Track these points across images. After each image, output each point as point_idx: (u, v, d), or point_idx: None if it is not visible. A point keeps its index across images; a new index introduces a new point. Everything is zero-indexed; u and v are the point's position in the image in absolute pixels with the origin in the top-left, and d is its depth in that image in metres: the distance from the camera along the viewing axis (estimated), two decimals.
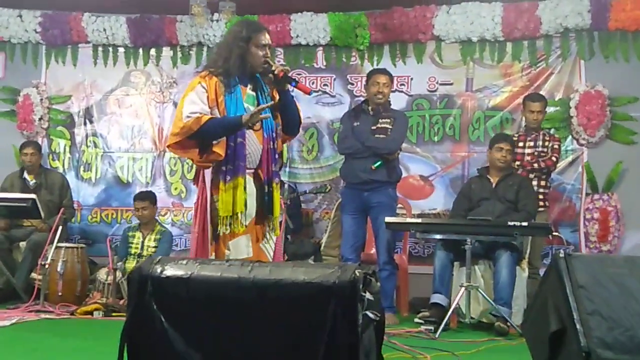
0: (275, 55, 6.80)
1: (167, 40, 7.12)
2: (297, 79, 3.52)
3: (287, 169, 6.78)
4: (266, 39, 3.51)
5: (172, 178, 7.16)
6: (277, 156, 3.58)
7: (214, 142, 3.42)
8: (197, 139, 3.43)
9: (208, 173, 3.47)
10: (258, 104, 3.50)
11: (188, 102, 3.42)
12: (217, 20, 6.89)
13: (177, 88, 7.13)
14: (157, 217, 6.48)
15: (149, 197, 6.34)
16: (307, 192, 6.33)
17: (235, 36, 3.52)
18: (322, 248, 6.19)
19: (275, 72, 3.45)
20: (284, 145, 3.90)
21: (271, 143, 3.54)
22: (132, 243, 6.24)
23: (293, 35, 6.82)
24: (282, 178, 6.39)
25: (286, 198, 5.65)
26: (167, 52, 7.20)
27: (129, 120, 7.26)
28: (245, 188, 3.44)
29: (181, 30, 7.03)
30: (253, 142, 3.51)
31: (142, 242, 6.22)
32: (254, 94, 3.55)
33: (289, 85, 3.49)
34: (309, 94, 3.59)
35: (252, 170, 3.52)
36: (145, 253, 6.14)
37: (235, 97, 3.46)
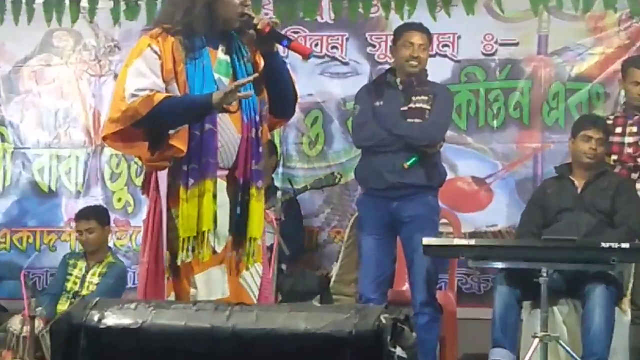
0: (260, 5, 6.79)
1: None
2: (290, 37, 3.63)
3: (280, 169, 6.86)
4: None
5: (114, 184, 7.20)
6: (260, 149, 3.64)
7: (171, 131, 3.49)
8: (146, 128, 3.50)
9: (163, 176, 3.53)
10: (234, 74, 3.59)
11: (133, 73, 3.49)
12: None
13: (119, 54, 7.11)
14: (110, 244, 6.67)
15: (95, 215, 6.42)
16: (309, 187, 6.35)
17: None
18: (331, 283, 6.22)
19: (259, 26, 3.51)
20: (275, 133, 3.99)
21: (253, 131, 3.60)
22: (71, 275, 6.34)
23: None
24: (275, 183, 6.52)
25: (279, 212, 5.65)
26: (104, 2, 7.17)
27: (51, 102, 7.28)
28: (214, 196, 3.50)
29: None
30: (228, 130, 3.57)
31: (84, 277, 6.31)
32: (228, 59, 3.63)
33: (278, 46, 3.57)
34: (308, 56, 3.67)
35: (226, 172, 3.60)
36: (84, 292, 6.20)
37: (201, 64, 3.53)
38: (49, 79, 7.32)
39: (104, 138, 3.61)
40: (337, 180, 6.36)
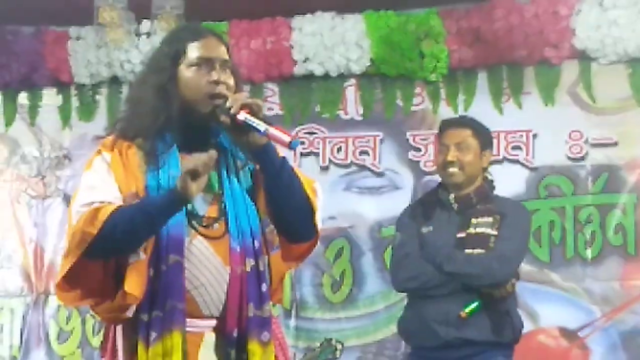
0: (262, 97, 6.97)
1: (51, 75, 7.26)
2: (269, 122, 3.38)
3: (292, 321, 7.00)
4: (211, 49, 3.51)
5: (62, 347, 7.22)
6: (264, 287, 3.46)
7: (132, 260, 3.35)
8: (102, 258, 3.35)
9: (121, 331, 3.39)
10: (220, 189, 3.47)
11: (83, 189, 3.45)
12: (149, 34, 7.05)
13: (70, 168, 7.27)
14: None
15: None
16: None
17: (155, 57, 3.59)
18: None
19: (232, 110, 3.37)
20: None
21: (249, 262, 3.44)
22: None
23: (297, 57, 6.94)
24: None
25: None
26: (51, 97, 7.35)
27: None
28: (184, 356, 3.32)
29: (79, 56, 7.16)
30: (207, 262, 3.42)
31: None
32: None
33: (254, 135, 3.39)
34: (290, 146, 3.40)
35: (213, 322, 3.41)
36: None
37: (166, 175, 3.44)
38: None
39: (58, 287, 3.37)
40: (336, 351, 6.77)
